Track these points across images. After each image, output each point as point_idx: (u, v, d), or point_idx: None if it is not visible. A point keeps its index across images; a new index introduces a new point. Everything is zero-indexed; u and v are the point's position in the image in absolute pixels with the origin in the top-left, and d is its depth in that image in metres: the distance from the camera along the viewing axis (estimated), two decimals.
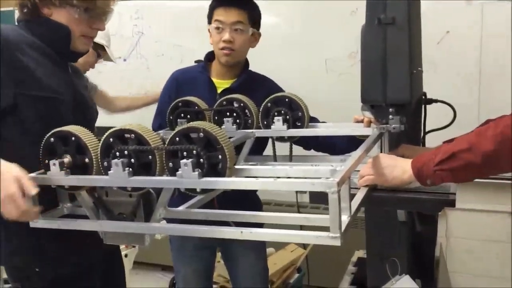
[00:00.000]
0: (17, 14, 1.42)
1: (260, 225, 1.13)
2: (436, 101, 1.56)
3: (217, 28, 1.75)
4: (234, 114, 1.56)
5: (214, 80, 1.83)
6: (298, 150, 1.55)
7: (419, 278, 1.55)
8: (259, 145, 1.64)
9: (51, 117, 1.32)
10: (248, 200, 1.75)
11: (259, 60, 2.66)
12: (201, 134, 1.03)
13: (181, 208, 1.17)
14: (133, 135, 1.06)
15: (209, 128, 1.02)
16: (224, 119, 1.55)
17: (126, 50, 3.40)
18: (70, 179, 1.11)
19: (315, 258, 2.77)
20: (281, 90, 1.80)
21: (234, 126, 1.54)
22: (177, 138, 1.05)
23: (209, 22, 1.80)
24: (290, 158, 1.53)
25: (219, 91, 1.81)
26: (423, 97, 1.56)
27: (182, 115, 1.61)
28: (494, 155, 1.06)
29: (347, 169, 0.99)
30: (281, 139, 1.54)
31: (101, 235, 1.19)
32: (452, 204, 1.13)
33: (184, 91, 1.73)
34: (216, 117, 1.60)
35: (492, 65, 2.54)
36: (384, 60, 1.20)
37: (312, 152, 1.54)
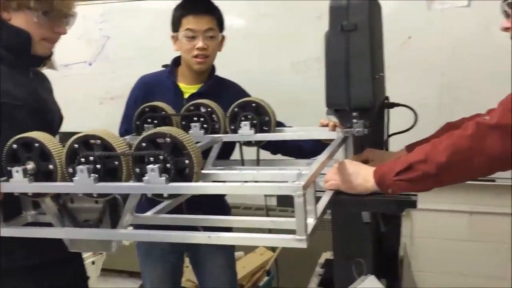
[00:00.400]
0: None
1: (228, 229, 1.14)
2: (398, 104, 1.61)
3: (189, 36, 1.76)
4: (202, 119, 1.57)
5: (181, 85, 1.84)
6: (265, 154, 1.57)
7: (385, 278, 1.59)
8: (227, 149, 1.65)
9: (8, 123, 1.30)
10: (216, 204, 1.76)
11: (226, 63, 2.66)
12: (168, 139, 1.03)
13: (149, 213, 1.17)
14: (98, 140, 1.06)
15: (175, 133, 1.03)
16: (192, 124, 1.55)
17: (92, 53, 3.34)
18: (33, 186, 1.09)
19: (284, 261, 2.79)
20: (247, 95, 1.82)
21: (202, 131, 1.55)
22: (144, 144, 1.05)
23: (176, 30, 1.80)
24: (258, 162, 1.55)
25: (185, 96, 1.81)
26: (386, 101, 1.60)
27: (149, 120, 1.61)
28: (447, 166, 1.09)
29: (312, 172, 1.01)
30: (249, 143, 1.55)
31: (66, 243, 1.17)
32: (413, 205, 1.17)
33: (150, 96, 1.73)
34: (183, 122, 1.60)
35: (452, 68, 2.62)
36: (347, 66, 1.23)
37: (279, 156, 1.56)
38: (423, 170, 1.11)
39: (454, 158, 1.09)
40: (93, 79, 3.37)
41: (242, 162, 1.58)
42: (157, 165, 1.00)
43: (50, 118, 1.48)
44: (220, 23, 1.81)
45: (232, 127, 1.55)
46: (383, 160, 1.46)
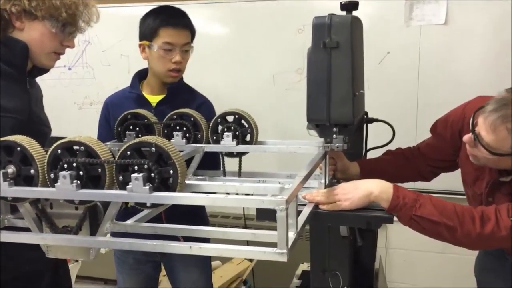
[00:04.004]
0: None
1: (206, 240, 1.15)
2: (377, 120, 1.65)
3: (166, 49, 1.74)
4: (184, 128, 1.57)
5: (147, 96, 1.84)
6: (247, 165, 1.59)
7: None
8: (212, 159, 1.65)
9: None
10: (194, 214, 1.76)
11: (207, 75, 2.69)
12: (153, 148, 1.03)
13: (129, 222, 1.17)
14: (82, 147, 1.05)
15: (161, 143, 1.03)
16: (174, 133, 1.56)
17: (71, 58, 3.31)
18: (14, 191, 1.08)
19: (261, 271, 2.81)
20: (210, 103, 1.87)
21: (184, 141, 1.55)
22: (128, 152, 1.05)
23: (148, 39, 1.76)
24: (239, 173, 1.56)
25: (154, 105, 1.81)
26: (365, 116, 1.64)
27: (131, 127, 1.61)
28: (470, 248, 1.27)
29: (295, 187, 1.03)
30: (231, 154, 1.57)
31: (44, 249, 1.16)
32: (390, 221, 1.20)
33: (118, 113, 1.67)
34: (165, 131, 1.60)
35: (429, 84, 2.69)
36: (328, 82, 1.25)
37: (260, 168, 1.57)
38: (445, 235, 1.20)
39: (477, 247, 1.27)
40: (72, 83, 3.34)
41: (223, 173, 1.59)
42: (141, 174, 1.01)
43: (42, 131, 1.47)
44: (193, 36, 1.83)
45: (214, 137, 1.57)
46: (344, 165, 1.53)
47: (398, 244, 3.00)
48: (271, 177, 1.51)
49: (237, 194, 1.11)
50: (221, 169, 1.59)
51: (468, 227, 1.18)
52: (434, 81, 2.68)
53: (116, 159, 1.05)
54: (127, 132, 1.60)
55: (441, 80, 2.66)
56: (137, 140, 1.05)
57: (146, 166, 1.02)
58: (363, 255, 1.56)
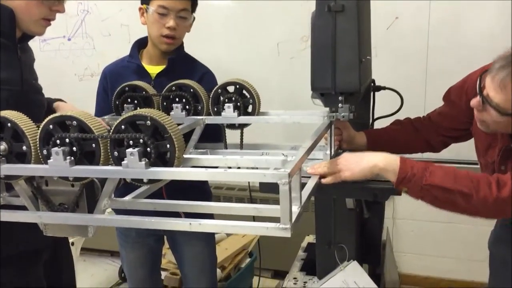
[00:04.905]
0: None
1: (210, 215, 1.11)
2: (384, 88, 1.58)
3: (160, 13, 1.67)
4: (183, 100, 1.52)
5: (146, 66, 1.77)
6: (252, 137, 1.54)
7: (367, 263, 1.59)
8: (214, 131, 1.60)
9: None
10: (197, 189, 1.72)
11: (210, 45, 2.61)
12: (149, 122, 0.99)
13: (127, 198, 1.13)
14: (75, 122, 1.01)
15: (157, 116, 0.99)
16: (173, 105, 1.50)
17: (70, 28, 3.24)
18: (6, 168, 1.05)
19: (266, 242, 2.79)
20: (212, 74, 1.79)
21: (184, 113, 1.50)
22: (123, 126, 1.00)
23: (146, 3, 1.69)
24: (241, 146, 1.51)
25: (153, 76, 1.75)
26: (372, 84, 1.58)
27: (129, 100, 1.56)
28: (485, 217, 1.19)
29: (298, 159, 0.98)
30: (232, 126, 1.51)
31: (41, 227, 1.13)
32: (398, 192, 1.15)
33: (116, 83, 1.62)
34: (164, 103, 1.55)
35: (439, 50, 2.60)
36: (333, 48, 1.19)
37: (263, 139, 1.52)
38: (459, 203, 1.13)
39: (494, 215, 1.19)
40: (72, 54, 3.28)
41: (225, 145, 1.54)
42: (136, 149, 0.96)
43: (39, 100, 1.42)
44: (194, 5, 1.74)
45: (215, 109, 1.51)
46: (350, 135, 1.46)
47: (405, 214, 2.97)
48: (274, 149, 1.47)
49: (238, 167, 1.07)
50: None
51: (484, 192, 1.12)
52: (444, 47, 2.58)
53: (111, 133, 1.00)
54: (125, 105, 1.55)
55: (451, 46, 2.56)
56: (131, 113, 1.00)
57: (141, 140, 0.98)
58: (370, 227, 1.52)
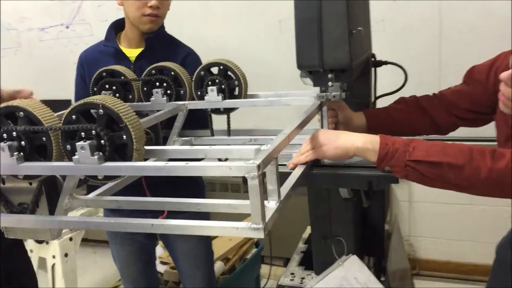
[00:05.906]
0: None
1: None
2: (385, 62, 1.43)
3: None
4: (164, 84, 1.40)
5: (125, 50, 1.67)
6: (236, 123, 1.41)
7: (370, 256, 1.46)
8: (200, 117, 1.48)
9: None
10: (184, 180, 1.59)
11: (209, 25, 2.48)
12: (101, 110, 0.87)
13: (90, 196, 1.02)
14: (22, 113, 0.90)
15: (110, 104, 0.86)
16: (153, 90, 1.39)
17: (67, 15, 3.14)
18: None
19: (277, 230, 2.67)
20: (196, 55, 1.69)
21: (165, 98, 1.38)
22: (74, 116, 0.89)
23: None
24: (228, 132, 1.39)
25: (132, 60, 1.64)
26: (372, 58, 1.43)
27: (107, 86, 1.44)
28: (480, 192, 0.99)
29: (273, 148, 0.85)
30: (217, 111, 1.39)
31: (2, 229, 1.04)
32: (396, 180, 1.01)
33: (93, 70, 1.51)
34: (145, 88, 1.43)
35: (446, 23, 2.43)
36: (319, 20, 1.04)
37: (253, 124, 1.39)
38: (450, 177, 0.97)
39: (487, 190, 0.98)
40: (71, 42, 3.19)
41: (211, 132, 1.42)
42: (88, 142, 0.85)
43: None
44: None
45: (199, 93, 1.39)
46: (347, 116, 1.32)
47: (422, 197, 2.83)
48: (264, 135, 1.34)
49: (202, 159, 0.95)
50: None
51: (477, 162, 0.96)
52: (459, 22, 2.41)
53: (61, 125, 0.89)
54: (103, 92, 1.44)
55: (467, 20, 2.38)
56: (81, 101, 0.88)
57: (94, 132, 0.86)
58: (371, 217, 1.38)
